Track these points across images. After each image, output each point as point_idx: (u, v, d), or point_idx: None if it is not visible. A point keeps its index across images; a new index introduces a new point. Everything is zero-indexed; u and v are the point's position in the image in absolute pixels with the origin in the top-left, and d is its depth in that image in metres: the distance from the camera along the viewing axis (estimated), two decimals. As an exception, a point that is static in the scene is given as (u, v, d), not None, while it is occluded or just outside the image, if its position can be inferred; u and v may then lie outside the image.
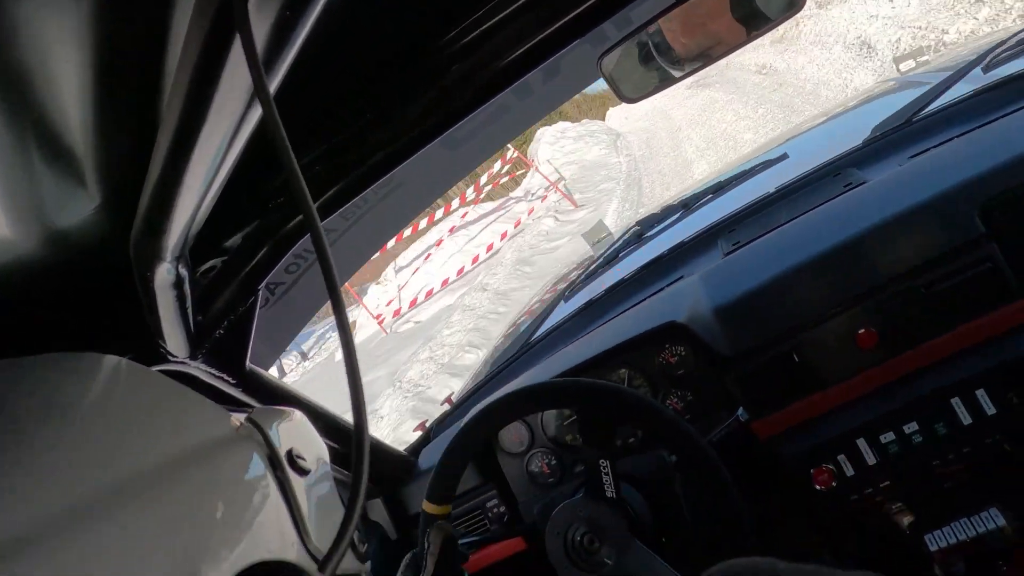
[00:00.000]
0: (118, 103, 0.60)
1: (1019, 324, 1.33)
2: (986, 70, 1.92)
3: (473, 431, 1.48)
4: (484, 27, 0.89)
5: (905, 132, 1.89)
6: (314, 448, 0.89)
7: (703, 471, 1.30)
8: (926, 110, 1.88)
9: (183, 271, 0.81)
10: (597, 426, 1.38)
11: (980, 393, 1.33)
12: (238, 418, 0.79)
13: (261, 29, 0.49)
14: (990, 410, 1.32)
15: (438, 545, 1.30)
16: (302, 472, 0.80)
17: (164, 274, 0.77)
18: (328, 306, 0.60)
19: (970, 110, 1.81)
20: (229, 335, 1.02)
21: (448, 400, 2.21)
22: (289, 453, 0.81)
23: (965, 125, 1.69)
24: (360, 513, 0.59)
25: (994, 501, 1.34)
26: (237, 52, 0.50)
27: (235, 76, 0.52)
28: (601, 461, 1.36)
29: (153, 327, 0.85)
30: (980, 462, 1.36)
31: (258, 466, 0.74)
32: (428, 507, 1.43)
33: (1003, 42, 1.95)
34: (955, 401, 1.34)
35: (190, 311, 0.88)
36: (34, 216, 0.63)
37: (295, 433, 0.86)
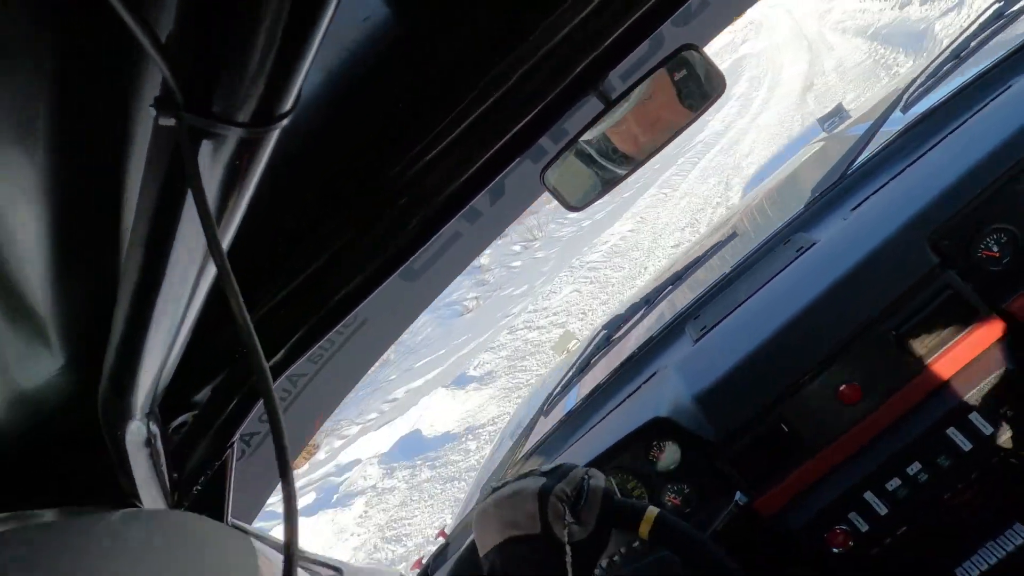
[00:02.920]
0: (77, 261, 0.61)
1: (995, 340, 1.36)
2: (904, 110, 2.01)
3: (467, 562, 1.43)
4: (426, 159, 0.92)
5: (842, 187, 1.96)
6: None
7: (707, 568, 1.26)
8: (857, 161, 1.96)
9: (154, 428, 0.79)
10: None
11: (973, 416, 1.34)
12: None
13: (213, 177, 0.51)
14: (987, 430, 1.33)
15: None
16: None
17: (134, 432, 0.75)
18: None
19: (898, 151, 1.90)
20: (207, 491, 0.99)
21: (442, 533, 2.15)
22: None
23: (896, 166, 1.77)
24: None
25: (1014, 517, 1.33)
26: (191, 205, 0.52)
27: (192, 225, 0.54)
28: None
29: (127, 487, 0.83)
30: (990, 483, 1.35)
31: None
32: None
33: (914, 80, 2.06)
34: (951, 431, 1.35)
35: (164, 468, 0.86)
36: None
37: None
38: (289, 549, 0.53)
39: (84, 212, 0.58)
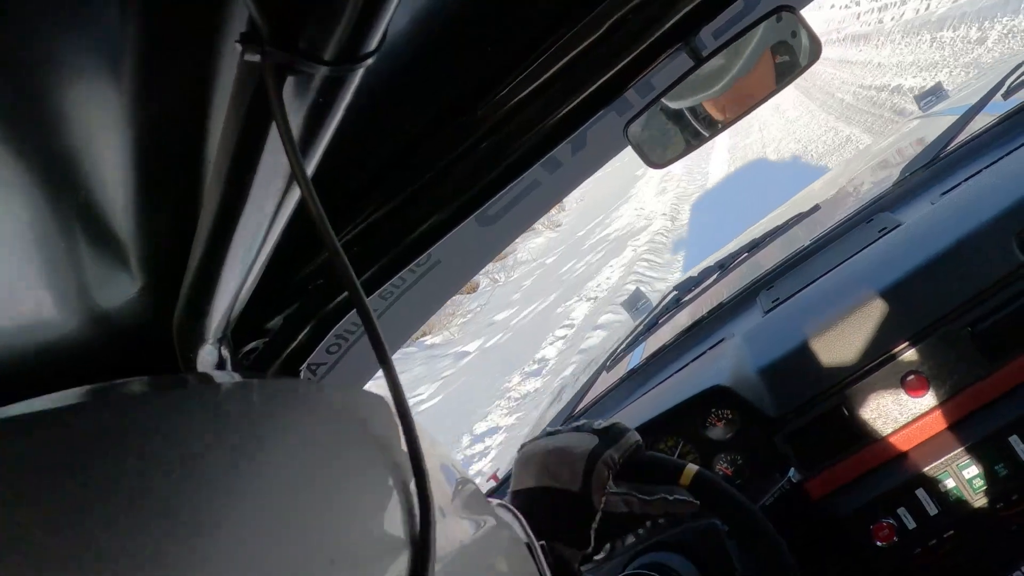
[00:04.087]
0: (159, 187, 0.63)
1: None
2: (1006, 96, 1.92)
3: None
4: (510, 104, 0.91)
5: (933, 169, 1.88)
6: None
7: (754, 537, 1.25)
8: (952, 144, 1.88)
9: (225, 352, 0.82)
10: None
11: None
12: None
13: (296, 114, 0.51)
14: None
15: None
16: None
17: (206, 356, 0.78)
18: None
19: (995, 139, 1.81)
20: None
21: (494, 477, 2.19)
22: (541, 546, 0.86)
23: (992, 155, 1.69)
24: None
25: None
26: (274, 137, 0.52)
27: (273, 160, 0.54)
28: None
29: None
30: None
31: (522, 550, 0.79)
32: None
33: (1019, 65, 1.96)
34: (1013, 439, 1.30)
35: None
36: (77, 298, 0.65)
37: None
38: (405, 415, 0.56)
39: (167, 143, 0.59)
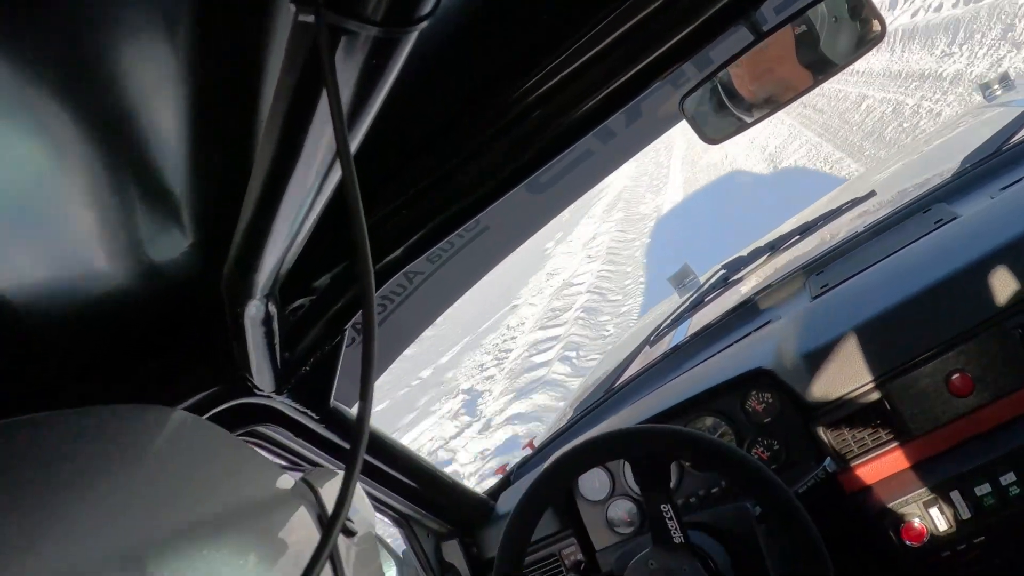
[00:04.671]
0: (212, 149, 0.64)
1: None
2: None
3: (546, 484, 1.45)
4: (565, 72, 0.90)
5: (995, 162, 1.82)
6: (363, 511, 0.96)
7: (789, 524, 1.24)
8: (1016, 138, 1.81)
9: (272, 309, 0.84)
10: (652, 471, 1.32)
11: None
12: (293, 477, 0.86)
13: (349, 76, 0.51)
14: None
15: None
16: (349, 533, 0.87)
17: (254, 311, 0.80)
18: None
19: None
20: (314, 372, 1.05)
21: (530, 444, 2.20)
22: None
23: None
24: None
25: None
26: (325, 100, 0.52)
27: (324, 124, 0.55)
28: (663, 507, 1.31)
29: (241, 361, 0.88)
30: None
31: (308, 525, 0.81)
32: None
33: None
34: None
35: (278, 347, 0.91)
36: (133, 252, 0.67)
37: None
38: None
39: (220, 104, 0.60)
